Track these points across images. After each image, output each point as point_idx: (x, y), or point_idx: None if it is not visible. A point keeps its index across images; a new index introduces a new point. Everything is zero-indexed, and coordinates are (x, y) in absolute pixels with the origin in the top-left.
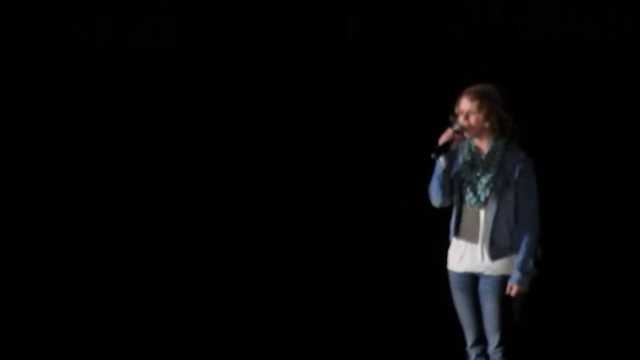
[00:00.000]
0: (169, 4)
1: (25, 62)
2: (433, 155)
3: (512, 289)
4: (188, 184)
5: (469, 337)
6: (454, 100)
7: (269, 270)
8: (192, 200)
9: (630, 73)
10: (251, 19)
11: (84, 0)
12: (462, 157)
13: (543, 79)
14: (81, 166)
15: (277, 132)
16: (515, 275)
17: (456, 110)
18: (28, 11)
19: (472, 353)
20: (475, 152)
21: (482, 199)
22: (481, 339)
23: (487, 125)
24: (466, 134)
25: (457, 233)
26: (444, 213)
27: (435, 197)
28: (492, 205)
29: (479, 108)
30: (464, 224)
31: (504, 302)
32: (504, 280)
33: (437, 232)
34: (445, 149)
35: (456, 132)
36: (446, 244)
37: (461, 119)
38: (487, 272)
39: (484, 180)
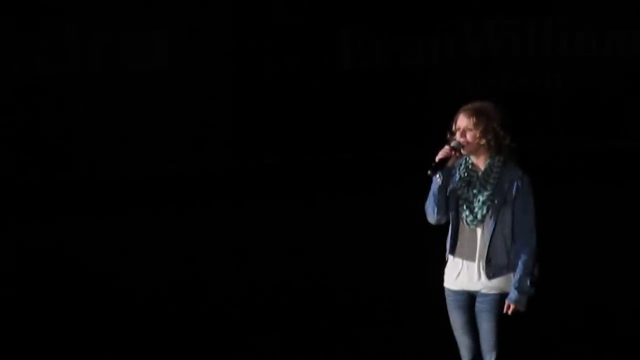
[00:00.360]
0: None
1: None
2: (429, 172)
3: (509, 308)
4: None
5: (465, 355)
6: (450, 118)
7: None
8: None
9: (623, 90)
10: (247, 39)
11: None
12: (459, 174)
13: (537, 96)
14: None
15: (270, 152)
16: (513, 294)
17: (453, 127)
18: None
19: None
20: (472, 170)
21: (479, 216)
22: (477, 358)
23: (483, 142)
24: (463, 151)
25: (453, 251)
26: (441, 230)
27: (432, 214)
28: (489, 223)
29: (476, 125)
30: (461, 242)
31: (501, 320)
32: (501, 298)
33: (433, 249)
34: (442, 165)
35: (453, 149)
36: (442, 262)
37: (458, 136)
38: (484, 291)
39: (480, 198)
